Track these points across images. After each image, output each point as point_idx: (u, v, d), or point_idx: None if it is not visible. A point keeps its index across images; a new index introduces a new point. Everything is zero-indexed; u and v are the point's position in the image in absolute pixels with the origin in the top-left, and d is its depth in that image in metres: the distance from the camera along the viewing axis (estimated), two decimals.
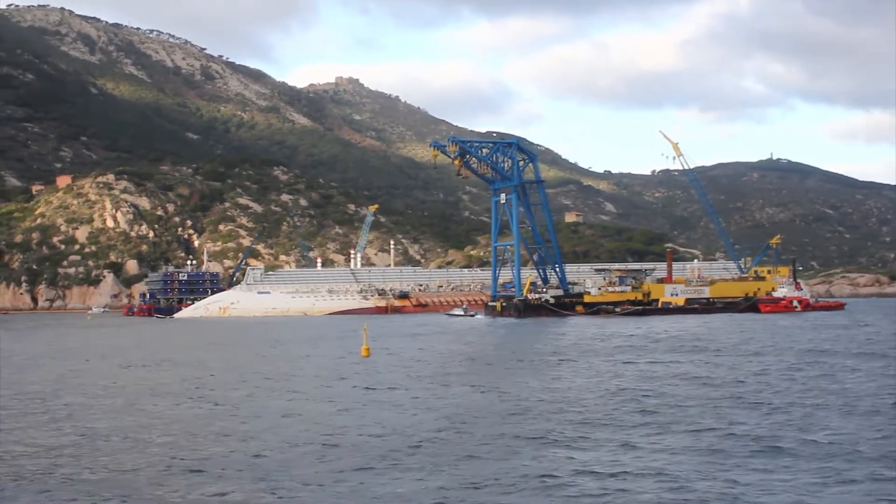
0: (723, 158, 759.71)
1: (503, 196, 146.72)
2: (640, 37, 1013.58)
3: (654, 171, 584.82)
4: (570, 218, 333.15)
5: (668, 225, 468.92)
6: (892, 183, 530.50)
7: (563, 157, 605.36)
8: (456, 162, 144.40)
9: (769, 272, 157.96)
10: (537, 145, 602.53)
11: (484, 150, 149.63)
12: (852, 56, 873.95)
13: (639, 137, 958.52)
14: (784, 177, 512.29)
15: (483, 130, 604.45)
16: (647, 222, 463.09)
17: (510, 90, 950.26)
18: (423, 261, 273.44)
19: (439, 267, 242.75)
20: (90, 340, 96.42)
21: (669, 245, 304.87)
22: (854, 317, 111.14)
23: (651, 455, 24.57)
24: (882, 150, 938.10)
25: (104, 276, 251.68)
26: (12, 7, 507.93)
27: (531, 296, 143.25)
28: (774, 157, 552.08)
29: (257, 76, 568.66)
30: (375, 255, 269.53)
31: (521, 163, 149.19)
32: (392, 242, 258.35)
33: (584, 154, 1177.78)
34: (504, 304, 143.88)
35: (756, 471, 22.37)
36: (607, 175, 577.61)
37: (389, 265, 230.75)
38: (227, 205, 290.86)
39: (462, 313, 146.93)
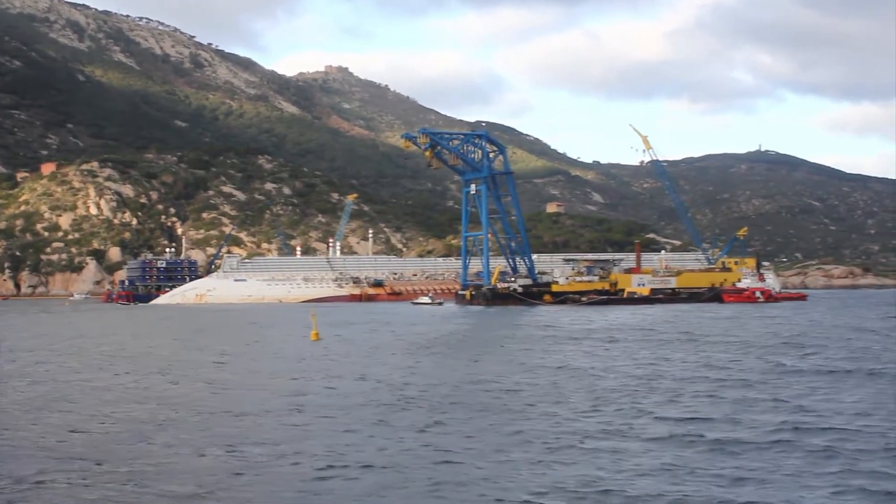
0: (712, 149, 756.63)
1: (473, 187, 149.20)
2: (629, 26, 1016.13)
3: (642, 162, 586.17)
4: (551, 208, 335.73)
5: (655, 215, 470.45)
6: (880, 175, 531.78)
7: (553, 147, 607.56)
8: (427, 153, 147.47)
9: (736, 263, 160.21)
10: (526, 135, 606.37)
11: (454, 142, 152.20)
12: (842, 47, 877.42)
13: (628, 128, 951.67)
14: (772, 168, 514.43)
15: (472, 120, 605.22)
16: (635, 213, 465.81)
17: (500, 80, 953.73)
18: (405, 249, 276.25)
19: (419, 256, 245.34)
20: (42, 328, 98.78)
21: (651, 235, 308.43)
22: (805, 308, 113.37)
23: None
24: (872, 142, 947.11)
25: (87, 263, 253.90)
26: None
27: (500, 285, 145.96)
28: (763, 149, 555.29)
29: (246, 64, 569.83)
30: (358, 243, 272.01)
31: (492, 154, 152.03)
32: (371, 231, 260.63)
33: (574, 144, 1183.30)
34: (473, 292, 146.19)
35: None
36: (596, 165, 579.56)
37: (363, 255, 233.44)
38: (210, 193, 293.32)
39: (429, 301, 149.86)
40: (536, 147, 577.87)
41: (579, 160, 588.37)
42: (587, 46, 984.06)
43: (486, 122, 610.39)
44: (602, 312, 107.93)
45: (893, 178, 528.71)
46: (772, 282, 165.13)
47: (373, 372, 41.93)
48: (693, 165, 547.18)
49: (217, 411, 30.17)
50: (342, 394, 34.01)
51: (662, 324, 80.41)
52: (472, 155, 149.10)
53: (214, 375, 42.44)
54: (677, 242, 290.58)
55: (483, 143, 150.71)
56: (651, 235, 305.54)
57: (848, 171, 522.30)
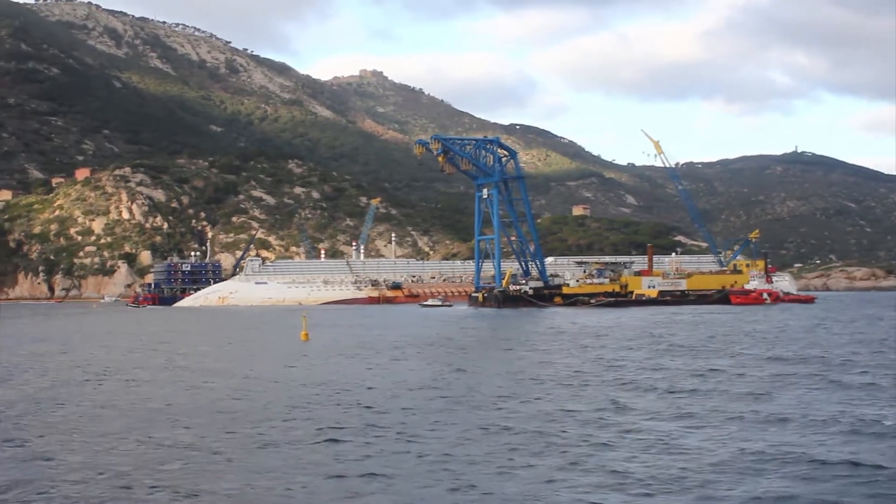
0: (747, 151, 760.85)
1: (485, 191, 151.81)
2: (659, 27, 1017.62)
3: (677, 164, 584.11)
4: (577, 211, 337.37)
5: (688, 217, 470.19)
6: None
7: (587, 149, 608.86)
8: (440, 158, 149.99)
9: (747, 266, 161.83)
10: (561, 138, 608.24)
11: (467, 147, 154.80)
12: (874, 46, 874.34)
13: (663, 129, 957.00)
14: (807, 170, 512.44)
15: (507, 123, 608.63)
16: (669, 215, 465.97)
17: (534, 82, 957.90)
18: (430, 252, 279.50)
19: (443, 258, 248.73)
20: (61, 327, 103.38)
21: (680, 238, 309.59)
22: (809, 311, 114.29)
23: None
24: None
25: (118, 267, 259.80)
26: (41, 2, 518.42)
27: (511, 287, 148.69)
28: (799, 150, 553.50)
29: (281, 69, 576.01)
30: (385, 246, 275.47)
31: (504, 158, 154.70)
32: (395, 235, 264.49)
33: (609, 146, 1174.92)
34: (485, 294, 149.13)
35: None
36: (630, 168, 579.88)
37: (389, 258, 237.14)
38: (240, 197, 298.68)
39: (439, 303, 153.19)
40: (571, 149, 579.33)
41: (614, 162, 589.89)
42: (618, 48, 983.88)
43: (521, 125, 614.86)
44: (607, 316, 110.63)
45: None
46: (786, 284, 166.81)
47: (330, 370, 45.25)
48: (728, 167, 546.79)
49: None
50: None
51: (630, 326, 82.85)
52: (484, 160, 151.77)
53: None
54: (704, 245, 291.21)
55: (494, 149, 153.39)
56: (680, 238, 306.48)
57: (886, 172, 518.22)
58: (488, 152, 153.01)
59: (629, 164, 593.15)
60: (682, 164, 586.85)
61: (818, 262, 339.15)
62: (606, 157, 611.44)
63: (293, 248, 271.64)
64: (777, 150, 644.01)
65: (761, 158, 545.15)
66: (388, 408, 30.66)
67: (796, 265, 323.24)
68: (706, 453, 22.44)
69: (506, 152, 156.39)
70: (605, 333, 71.54)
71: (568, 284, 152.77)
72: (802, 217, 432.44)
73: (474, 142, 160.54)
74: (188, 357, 55.79)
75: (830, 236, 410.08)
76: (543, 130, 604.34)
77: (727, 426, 26.30)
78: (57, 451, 24.22)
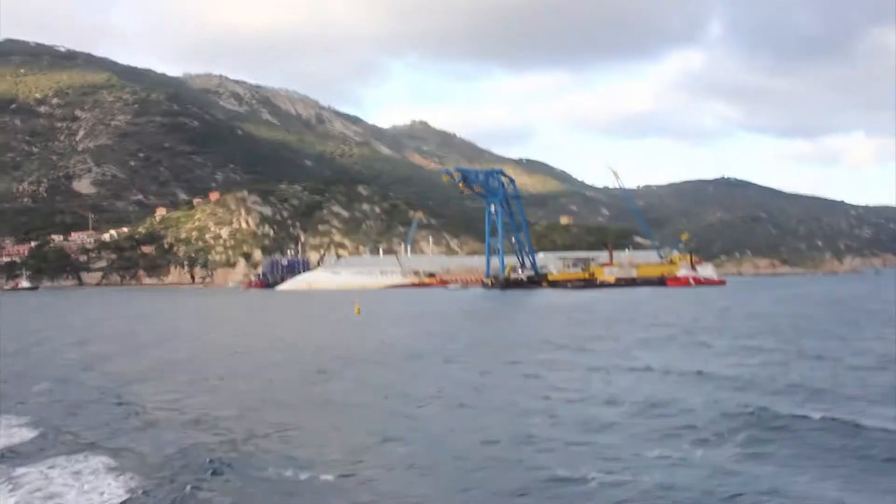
0: (689, 176, 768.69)
1: (493, 207, 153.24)
2: (624, 86, 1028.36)
3: (638, 186, 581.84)
4: (564, 220, 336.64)
5: (646, 224, 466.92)
6: (808, 194, 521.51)
7: (574, 175, 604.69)
8: (460, 184, 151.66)
9: (679, 258, 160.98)
10: (554, 167, 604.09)
11: (479, 176, 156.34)
12: (776, 99, 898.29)
13: (629, 160, 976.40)
14: (731, 189, 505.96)
15: (516, 157, 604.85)
16: (631, 223, 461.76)
17: (535, 127, 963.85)
18: (459, 250, 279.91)
19: (468, 255, 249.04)
20: (199, 304, 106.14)
21: (639, 239, 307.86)
22: (712, 291, 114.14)
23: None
24: (804, 169, 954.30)
25: (238, 262, 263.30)
26: (186, 75, 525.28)
27: (512, 275, 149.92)
28: (725, 175, 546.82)
29: (354, 120, 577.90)
30: (428, 245, 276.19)
31: (506, 183, 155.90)
32: (430, 238, 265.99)
33: (589, 173, 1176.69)
34: (493, 281, 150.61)
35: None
36: (605, 189, 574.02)
37: (428, 254, 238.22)
38: (324, 212, 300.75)
39: (458, 287, 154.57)
40: (562, 176, 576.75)
41: (593, 185, 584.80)
42: (594, 101, 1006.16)
43: (527, 159, 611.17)
44: (576, 294, 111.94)
45: (819, 195, 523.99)
46: (709, 271, 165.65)
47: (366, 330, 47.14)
48: (675, 188, 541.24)
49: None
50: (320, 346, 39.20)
51: (589, 303, 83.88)
52: (492, 184, 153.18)
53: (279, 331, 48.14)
54: (657, 243, 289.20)
55: (499, 177, 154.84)
56: (638, 239, 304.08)
57: (786, 191, 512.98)
58: (495, 179, 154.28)
59: (604, 186, 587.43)
60: (642, 186, 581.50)
61: (737, 255, 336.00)
62: (588, 181, 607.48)
63: (361, 248, 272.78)
64: (710, 175, 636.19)
65: (698, 182, 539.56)
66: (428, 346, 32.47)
67: (722, 257, 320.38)
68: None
69: (507, 179, 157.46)
70: (560, 302, 72.80)
71: (552, 273, 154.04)
72: (727, 223, 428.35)
73: (484, 172, 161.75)
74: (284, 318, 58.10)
75: (747, 237, 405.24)
76: (543, 163, 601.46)
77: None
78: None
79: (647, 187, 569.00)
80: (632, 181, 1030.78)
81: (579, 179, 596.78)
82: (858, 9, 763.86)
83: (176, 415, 20.22)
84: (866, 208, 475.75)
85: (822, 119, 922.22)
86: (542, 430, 17.27)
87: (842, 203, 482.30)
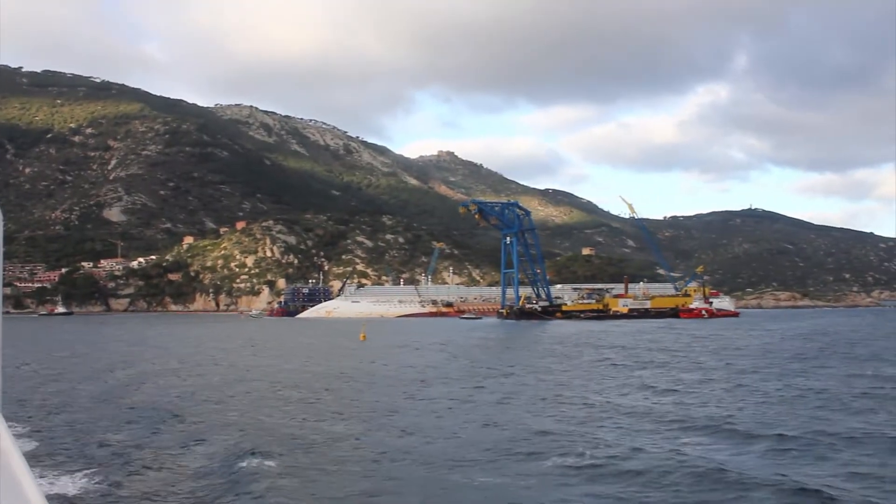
0: (716, 207, 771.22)
1: (508, 239, 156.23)
2: (650, 119, 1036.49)
3: (664, 217, 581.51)
4: (585, 251, 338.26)
5: (672, 255, 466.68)
6: (838, 226, 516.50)
7: (600, 206, 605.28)
8: (476, 216, 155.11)
9: (695, 290, 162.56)
10: (580, 198, 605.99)
11: (496, 208, 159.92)
12: (803, 132, 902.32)
13: (655, 193, 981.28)
14: (758, 221, 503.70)
15: (542, 188, 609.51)
16: (656, 255, 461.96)
17: (561, 158, 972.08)
18: (480, 280, 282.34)
19: (488, 285, 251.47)
20: (215, 330, 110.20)
21: (661, 271, 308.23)
22: (721, 323, 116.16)
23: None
24: (833, 202, 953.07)
25: (262, 289, 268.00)
26: (217, 105, 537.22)
27: (527, 305, 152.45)
28: (753, 207, 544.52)
29: (382, 150, 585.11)
30: (449, 276, 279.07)
31: (521, 215, 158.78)
32: (451, 268, 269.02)
33: (615, 204, 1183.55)
34: (508, 311, 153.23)
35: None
36: (630, 220, 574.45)
37: (450, 284, 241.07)
38: (348, 241, 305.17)
39: (472, 317, 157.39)
40: (588, 207, 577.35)
41: (619, 216, 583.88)
42: (620, 134, 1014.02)
43: (553, 189, 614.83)
44: (582, 324, 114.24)
45: (848, 227, 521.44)
46: (726, 303, 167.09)
47: (365, 356, 50.55)
48: (702, 219, 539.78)
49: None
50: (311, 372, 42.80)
51: (588, 333, 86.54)
52: (508, 217, 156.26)
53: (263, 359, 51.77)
54: (677, 275, 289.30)
55: (514, 209, 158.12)
56: (660, 271, 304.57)
57: (815, 223, 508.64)
58: (510, 211, 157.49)
59: (630, 216, 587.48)
60: (669, 217, 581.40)
61: (763, 287, 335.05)
62: (614, 212, 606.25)
63: (384, 277, 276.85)
64: (737, 206, 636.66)
65: (725, 213, 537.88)
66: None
67: (748, 290, 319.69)
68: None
69: (522, 211, 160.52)
70: (571, 333, 75.50)
71: (566, 304, 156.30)
72: (753, 255, 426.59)
73: (500, 204, 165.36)
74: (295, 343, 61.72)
75: (773, 269, 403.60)
76: (569, 193, 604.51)
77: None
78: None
79: (675, 218, 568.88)
80: (658, 212, 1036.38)
81: (605, 210, 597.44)
82: (887, 40, 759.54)
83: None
84: None
85: (852, 151, 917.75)
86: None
87: (871, 235, 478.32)
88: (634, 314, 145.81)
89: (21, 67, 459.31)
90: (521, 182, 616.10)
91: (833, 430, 19.54)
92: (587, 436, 19.47)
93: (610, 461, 16.51)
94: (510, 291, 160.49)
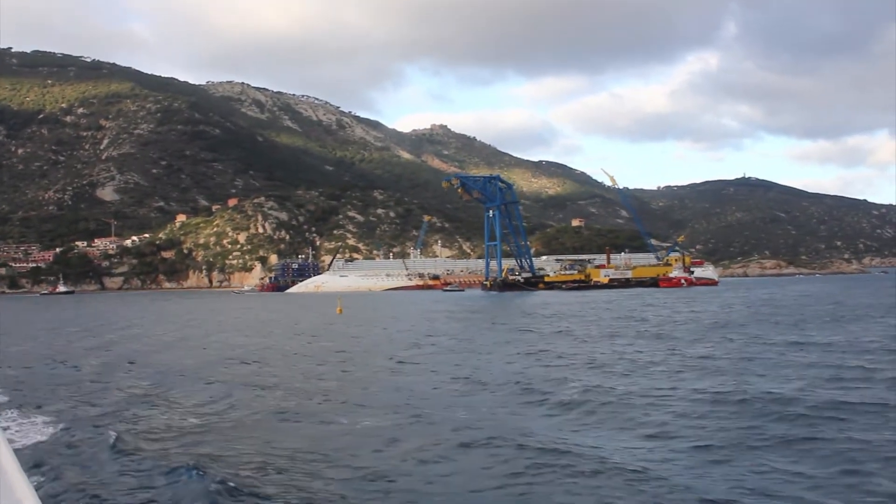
0: (709, 177, 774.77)
1: (490, 212, 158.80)
2: (642, 89, 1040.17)
3: (658, 187, 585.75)
4: (575, 222, 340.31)
5: (666, 225, 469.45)
6: (832, 193, 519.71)
7: (593, 177, 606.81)
8: (459, 190, 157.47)
9: (675, 260, 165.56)
10: (574, 170, 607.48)
11: (478, 182, 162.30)
12: (796, 98, 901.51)
13: (647, 162, 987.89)
14: (752, 190, 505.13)
15: (536, 160, 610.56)
16: (651, 225, 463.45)
17: (554, 129, 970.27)
18: (471, 253, 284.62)
19: (479, 257, 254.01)
20: (202, 305, 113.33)
21: (652, 241, 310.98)
22: (696, 290, 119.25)
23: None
24: (828, 169, 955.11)
25: (254, 266, 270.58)
26: (209, 83, 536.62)
27: (509, 277, 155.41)
28: (746, 175, 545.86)
29: (375, 125, 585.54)
30: (439, 249, 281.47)
31: (503, 188, 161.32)
32: (439, 241, 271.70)
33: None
34: (491, 283, 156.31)
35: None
36: (624, 190, 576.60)
37: (439, 257, 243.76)
38: (339, 216, 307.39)
39: (456, 289, 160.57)
40: (581, 178, 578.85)
41: (612, 187, 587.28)
42: (613, 104, 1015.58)
43: (546, 161, 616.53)
44: (564, 294, 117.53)
45: (843, 195, 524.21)
46: (710, 272, 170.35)
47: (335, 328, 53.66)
48: (695, 189, 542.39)
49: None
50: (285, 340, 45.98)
51: (568, 304, 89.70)
52: (490, 190, 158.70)
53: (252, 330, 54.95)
54: (666, 244, 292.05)
55: (497, 183, 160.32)
56: (654, 242, 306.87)
57: (808, 191, 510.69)
58: (492, 185, 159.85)
59: (624, 187, 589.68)
60: (662, 187, 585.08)
61: (755, 255, 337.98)
62: (608, 183, 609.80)
63: (374, 252, 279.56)
64: (730, 175, 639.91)
65: (719, 182, 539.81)
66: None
67: (738, 259, 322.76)
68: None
69: (504, 184, 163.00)
70: (549, 302, 78.76)
71: (549, 275, 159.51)
72: (746, 224, 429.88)
73: (482, 178, 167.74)
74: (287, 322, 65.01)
75: (766, 238, 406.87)
76: (563, 164, 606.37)
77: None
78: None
79: (668, 188, 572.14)
80: (652, 182, 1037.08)
81: (598, 181, 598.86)
82: (879, 5, 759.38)
83: None
84: (889, 207, 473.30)
85: (845, 118, 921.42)
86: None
87: (864, 202, 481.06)
88: (615, 284, 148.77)
89: (10, 48, 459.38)
90: (515, 154, 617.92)
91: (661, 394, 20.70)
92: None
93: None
94: (494, 264, 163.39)
